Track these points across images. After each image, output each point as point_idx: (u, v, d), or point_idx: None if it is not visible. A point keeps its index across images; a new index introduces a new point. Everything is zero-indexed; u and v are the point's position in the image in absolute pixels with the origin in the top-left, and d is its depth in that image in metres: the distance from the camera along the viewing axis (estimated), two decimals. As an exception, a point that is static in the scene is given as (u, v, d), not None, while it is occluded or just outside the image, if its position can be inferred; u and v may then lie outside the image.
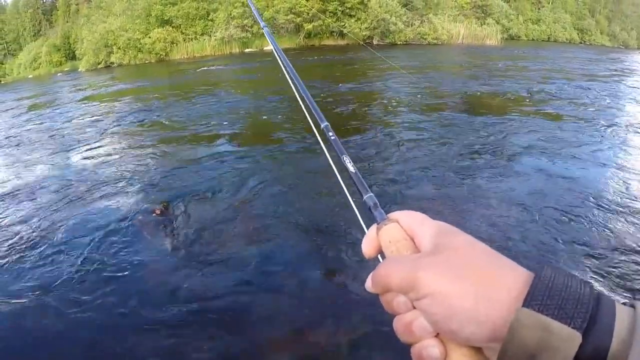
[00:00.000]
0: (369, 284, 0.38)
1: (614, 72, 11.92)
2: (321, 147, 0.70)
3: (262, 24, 1.10)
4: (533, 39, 31.80)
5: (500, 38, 25.71)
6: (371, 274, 0.38)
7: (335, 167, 0.63)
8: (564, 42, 32.49)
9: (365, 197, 0.47)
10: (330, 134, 0.59)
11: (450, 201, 3.50)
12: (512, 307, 0.29)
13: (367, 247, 0.43)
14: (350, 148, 4.73)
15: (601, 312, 0.28)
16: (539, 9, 35.21)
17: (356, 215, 0.57)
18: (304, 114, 0.74)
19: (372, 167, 4.28)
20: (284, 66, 0.82)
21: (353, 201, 0.58)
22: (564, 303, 0.28)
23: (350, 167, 0.51)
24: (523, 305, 0.28)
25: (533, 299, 0.28)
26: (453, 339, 0.32)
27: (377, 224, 0.43)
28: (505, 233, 2.96)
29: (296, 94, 0.75)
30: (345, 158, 0.53)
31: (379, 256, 0.43)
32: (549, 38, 32.99)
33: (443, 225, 0.38)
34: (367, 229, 0.45)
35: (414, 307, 0.34)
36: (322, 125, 0.63)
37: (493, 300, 0.30)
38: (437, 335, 0.33)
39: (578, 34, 35.32)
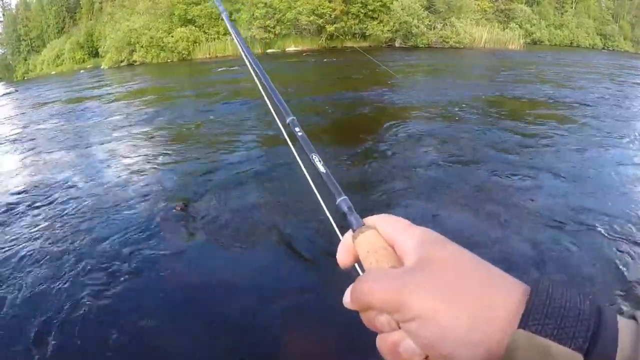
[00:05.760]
0: (347, 300, 0.34)
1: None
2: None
3: (221, 7, 1.02)
4: (556, 44, 31.38)
5: (522, 42, 25.43)
6: (350, 288, 0.34)
7: (306, 167, 0.55)
8: (586, 48, 31.99)
9: (338, 200, 0.42)
10: (297, 129, 0.53)
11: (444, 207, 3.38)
12: (508, 327, 0.27)
13: (343, 256, 0.39)
14: (355, 148, 4.67)
15: (603, 329, 0.26)
16: (562, 13, 34.74)
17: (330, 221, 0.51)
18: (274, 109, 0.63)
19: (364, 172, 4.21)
20: (245, 54, 0.73)
21: (326, 206, 0.52)
22: (563, 322, 0.26)
23: (321, 167, 0.46)
24: (519, 326, 0.26)
25: (530, 319, 0.26)
26: None
27: (353, 231, 0.38)
28: (494, 240, 2.86)
29: (258, 85, 0.66)
30: (314, 157, 0.47)
31: (357, 265, 0.38)
32: (571, 43, 32.54)
33: (427, 233, 0.34)
34: (342, 236, 0.40)
35: (400, 327, 0.31)
36: (288, 120, 0.56)
37: (487, 321, 0.28)
38: (426, 358, 0.31)
39: (601, 40, 34.76)
